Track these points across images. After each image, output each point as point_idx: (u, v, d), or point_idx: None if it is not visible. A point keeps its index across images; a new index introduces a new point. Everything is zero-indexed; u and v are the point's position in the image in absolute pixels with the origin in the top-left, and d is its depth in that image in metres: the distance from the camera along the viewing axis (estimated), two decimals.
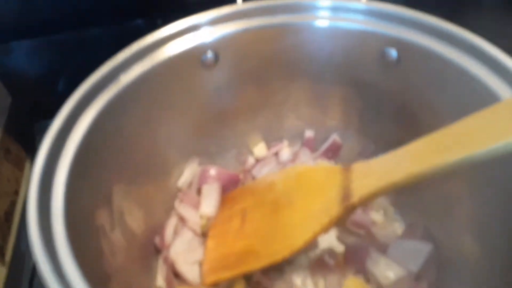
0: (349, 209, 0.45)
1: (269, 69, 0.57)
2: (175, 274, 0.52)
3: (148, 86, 0.49)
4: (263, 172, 0.64)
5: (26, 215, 0.36)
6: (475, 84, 0.44)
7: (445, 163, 0.37)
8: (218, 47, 0.53)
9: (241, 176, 0.64)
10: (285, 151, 0.66)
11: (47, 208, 0.37)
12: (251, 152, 0.67)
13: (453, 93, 0.47)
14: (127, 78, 0.47)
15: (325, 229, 0.46)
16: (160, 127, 0.53)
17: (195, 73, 0.53)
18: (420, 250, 0.52)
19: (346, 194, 0.45)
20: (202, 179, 0.60)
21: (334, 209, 0.45)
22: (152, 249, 0.55)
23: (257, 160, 0.66)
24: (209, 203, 0.58)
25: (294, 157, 0.66)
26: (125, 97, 0.46)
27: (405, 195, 0.57)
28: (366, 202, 0.44)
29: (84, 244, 0.38)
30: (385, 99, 0.56)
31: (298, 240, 0.47)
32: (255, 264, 0.50)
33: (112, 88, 0.46)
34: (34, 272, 0.58)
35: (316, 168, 0.52)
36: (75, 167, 0.40)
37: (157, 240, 0.55)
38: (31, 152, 0.74)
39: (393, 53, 0.51)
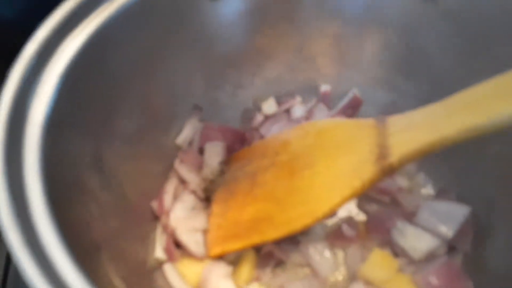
0: (386, 171, 0.37)
1: (285, 6, 0.49)
2: (176, 244, 0.46)
3: (145, 16, 0.41)
4: (272, 131, 0.57)
5: None
6: None
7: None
8: None
9: (247, 135, 0.57)
10: (298, 108, 0.59)
11: (18, 159, 0.29)
12: (259, 108, 0.59)
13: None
14: (116, 4, 0.38)
15: (356, 194, 0.39)
16: (157, 71, 0.45)
17: (200, 5, 0.45)
18: (456, 213, 0.46)
19: (382, 152, 0.38)
20: (204, 136, 0.54)
21: (367, 171, 0.38)
22: (149, 215, 0.48)
23: (266, 117, 0.59)
24: (213, 164, 0.51)
25: (308, 115, 0.58)
26: (117, 26, 0.38)
27: (435, 157, 0.50)
28: (408, 162, 0.37)
29: (67, 209, 0.31)
30: (425, 48, 0.48)
31: (323, 205, 0.40)
32: (268, 233, 0.43)
33: (101, 11, 0.37)
34: None
35: (342, 122, 0.44)
36: (53, 108, 0.32)
37: (154, 205, 0.48)
38: None
39: None
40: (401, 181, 0.53)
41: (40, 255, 0.26)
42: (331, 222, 0.51)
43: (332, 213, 0.44)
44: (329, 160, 0.42)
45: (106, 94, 0.39)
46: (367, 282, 0.44)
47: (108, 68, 0.38)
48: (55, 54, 0.33)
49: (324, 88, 0.59)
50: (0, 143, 0.28)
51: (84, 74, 0.35)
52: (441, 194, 0.51)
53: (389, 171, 0.37)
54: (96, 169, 0.38)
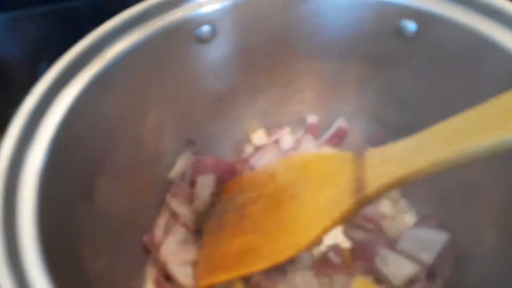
0: (362, 202, 0.39)
1: (272, 46, 0.52)
2: (166, 277, 0.47)
3: (136, 62, 0.43)
4: (262, 162, 0.59)
5: None
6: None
7: (480, 147, 0.32)
8: (215, 19, 0.47)
9: (238, 166, 0.59)
10: (287, 138, 0.61)
11: (13, 204, 0.31)
12: (249, 140, 0.61)
13: (484, 72, 0.41)
14: (112, 52, 0.41)
15: (335, 225, 0.41)
16: (150, 110, 0.48)
17: (189, 49, 0.48)
18: (435, 239, 0.48)
19: (359, 185, 0.40)
20: (196, 169, 0.55)
21: (345, 202, 0.40)
22: (140, 250, 0.49)
23: (256, 149, 0.61)
24: (204, 196, 0.53)
25: (297, 145, 0.60)
26: (110, 74, 0.41)
27: (418, 184, 0.52)
28: (382, 193, 0.39)
29: (59, 247, 0.32)
30: (401, 79, 0.51)
31: (305, 237, 0.42)
32: (256, 265, 0.44)
33: (95, 63, 0.40)
34: None
35: (324, 155, 0.47)
36: (50, 154, 0.34)
37: (146, 239, 0.49)
38: None
39: (411, 26, 0.46)
40: (385, 207, 0.55)
41: None
42: (318, 250, 0.52)
43: (315, 244, 0.45)
44: (312, 192, 0.44)
45: (101, 136, 0.41)
46: None
47: (102, 113, 0.41)
48: (53, 105, 0.36)
49: (311, 119, 0.61)
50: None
51: (79, 121, 0.37)
52: (423, 220, 0.53)
53: (365, 202, 0.39)
54: (88, 205, 0.40)
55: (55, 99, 0.37)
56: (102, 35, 0.41)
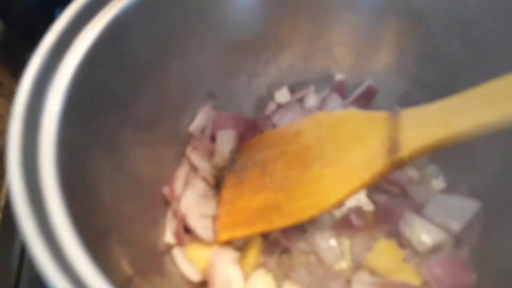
0: (396, 165, 0.37)
1: None
2: (185, 229, 0.47)
3: (162, 6, 0.41)
4: (285, 120, 0.57)
5: (5, 155, 0.29)
6: None
7: None
8: None
9: (260, 123, 0.57)
10: (311, 97, 0.59)
11: (34, 147, 0.30)
12: (271, 97, 0.59)
13: None
14: None
15: (364, 186, 0.39)
16: (173, 57, 0.46)
17: None
18: (465, 207, 0.46)
19: (393, 146, 0.38)
20: (217, 124, 0.54)
21: (377, 164, 0.38)
22: (160, 200, 0.49)
23: (279, 106, 0.59)
24: (224, 151, 0.52)
25: (321, 104, 0.58)
26: (134, 15, 0.38)
27: (448, 148, 0.49)
28: (419, 156, 0.37)
29: (80, 192, 0.32)
30: (435, 36, 0.47)
31: (330, 197, 0.40)
32: (276, 222, 0.44)
33: (112, 6, 0.37)
34: None
35: (355, 113, 0.44)
36: (70, 97, 0.33)
37: (166, 190, 0.49)
38: None
39: None
40: (412, 172, 0.53)
41: (52, 240, 0.27)
42: (339, 211, 0.51)
43: (340, 205, 0.44)
44: (340, 152, 0.42)
45: (123, 81, 0.40)
46: (372, 271, 0.45)
47: (124, 57, 0.39)
48: (73, 44, 0.34)
49: (339, 77, 0.58)
50: (16, 132, 0.29)
51: (101, 63, 0.36)
52: (452, 186, 0.51)
53: (399, 165, 0.37)
54: (109, 153, 0.39)
55: (75, 38, 0.35)
56: None
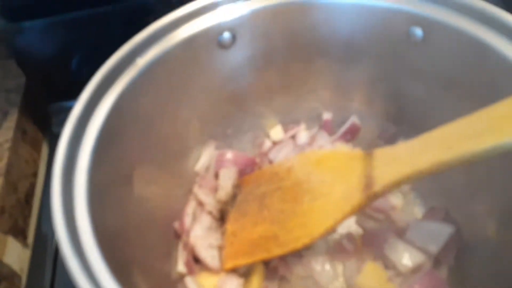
0: (371, 198, 0.44)
1: (288, 50, 0.56)
2: (195, 259, 0.52)
3: (165, 68, 0.48)
4: (280, 156, 0.63)
5: (50, 201, 0.35)
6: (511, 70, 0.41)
7: (476, 151, 0.36)
8: (235, 27, 0.51)
9: (257, 160, 0.63)
10: (302, 134, 0.65)
11: (70, 192, 0.37)
12: (267, 135, 0.66)
13: (485, 76, 0.45)
14: (144, 60, 0.46)
15: (346, 217, 0.45)
16: (178, 109, 0.53)
17: (212, 54, 0.52)
18: (441, 231, 0.52)
19: (368, 182, 0.44)
20: (219, 163, 0.60)
21: (355, 198, 0.44)
22: (172, 234, 0.55)
23: (274, 143, 0.65)
24: (227, 187, 0.58)
25: (312, 140, 0.65)
26: (143, 80, 0.46)
27: (426, 179, 0.55)
28: (389, 190, 0.43)
29: (107, 228, 0.38)
30: (409, 80, 0.54)
31: (319, 227, 0.46)
32: (274, 251, 0.49)
33: (129, 71, 0.45)
34: (57, 253, 0.59)
35: (336, 153, 0.51)
36: (96, 150, 0.40)
37: (176, 225, 0.55)
38: (47, 133, 0.74)
39: (418, 32, 0.49)
40: (395, 200, 0.59)
41: (86, 266, 0.33)
42: (332, 237, 0.57)
43: (328, 234, 0.50)
44: (325, 187, 0.49)
45: (137, 132, 0.47)
46: None
47: (137, 113, 0.46)
48: (95, 111, 0.41)
49: (326, 116, 0.65)
50: (56, 184, 0.36)
51: (118, 120, 0.43)
52: (431, 212, 0.57)
53: (374, 198, 0.44)
54: (128, 190, 0.46)
55: (98, 104, 0.42)
56: (134, 46, 0.46)
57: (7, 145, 0.64)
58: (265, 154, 0.64)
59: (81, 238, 0.34)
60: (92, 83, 0.42)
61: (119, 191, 0.44)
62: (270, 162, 0.63)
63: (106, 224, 0.38)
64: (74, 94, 0.75)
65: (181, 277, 0.52)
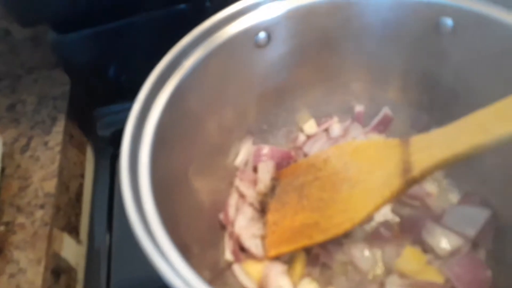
0: (410, 183, 0.45)
1: (321, 46, 0.58)
2: (241, 248, 0.55)
3: (208, 68, 0.51)
4: (314, 149, 0.66)
5: (122, 194, 0.39)
6: None
7: (510, 133, 0.38)
8: (270, 27, 0.54)
9: (293, 153, 0.66)
10: (335, 127, 0.67)
11: (136, 186, 0.41)
12: (301, 130, 0.68)
13: None
14: (189, 62, 0.49)
15: (386, 202, 0.47)
16: (220, 107, 0.56)
17: (249, 54, 0.55)
18: (478, 215, 0.53)
19: (406, 167, 0.46)
20: (257, 157, 0.63)
21: (395, 183, 0.46)
22: (217, 225, 0.58)
23: (308, 137, 0.68)
24: (265, 180, 0.61)
25: (345, 132, 0.66)
26: (189, 81, 0.49)
27: (461, 164, 0.57)
28: (427, 175, 0.45)
29: (167, 215, 0.41)
30: (440, 70, 0.55)
31: (360, 212, 0.49)
32: (316, 237, 0.52)
33: (177, 73, 0.49)
34: (111, 248, 0.63)
35: (372, 142, 0.53)
36: (154, 147, 0.44)
37: (221, 216, 0.58)
38: (91, 137, 0.79)
39: (448, 22, 0.50)
40: (430, 187, 0.60)
41: (155, 244, 0.36)
42: (369, 225, 0.59)
43: (369, 219, 0.52)
44: (363, 175, 0.51)
45: (187, 129, 0.51)
46: (402, 274, 0.52)
47: (186, 112, 0.50)
48: (151, 109, 0.45)
49: (358, 108, 0.67)
50: (124, 176, 0.40)
51: (171, 120, 0.47)
52: (466, 197, 0.58)
53: (412, 183, 0.45)
54: (185, 187, 0.50)
55: (152, 104, 0.46)
56: (181, 49, 0.49)
57: (57, 149, 0.69)
58: (300, 148, 0.66)
59: (148, 220, 0.38)
60: (147, 84, 0.46)
61: (177, 183, 0.48)
62: (305, 155, 0.66)
63: (167, 211, 0.41)
64: (113, 99, 0.80)
65: (229, 265, 0.55)
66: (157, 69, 0.47)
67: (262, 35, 0.55)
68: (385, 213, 0.60)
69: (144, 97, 0.45)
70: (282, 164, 0.64)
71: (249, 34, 0.54)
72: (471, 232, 0.52)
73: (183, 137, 0.50)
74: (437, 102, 0.59)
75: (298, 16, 0.54)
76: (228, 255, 0.55)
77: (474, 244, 0.53)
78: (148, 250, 0.34)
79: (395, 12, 0.53)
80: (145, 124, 0.44)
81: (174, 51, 0.49)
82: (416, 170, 0.44)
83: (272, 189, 0.61)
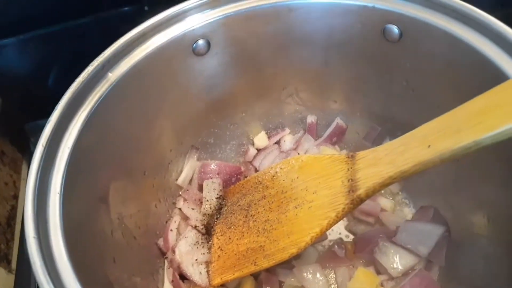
0: (356, 202, 0.42)
1: (264, 53, 0.55)
2: (181, 277, 0.51)
3: (139, 80, 0.47)
4: (265, 163, 0.62)
5: (24, 227, 0.34)
6: (485, 64, 0.41)
7: (454, 149, 0.34)
8: (208, 34, 0.50)
9: (243, 168, 0.62)
10: (287, 139, 0.64)
11: (45, 218, 0.36)
12: (251, 143, 0.65)
13: (460, 73, 0.44)
14: (116, 74, 0.45)
15: (332, 224, 0.44)
16: (155, 121, 0.52)
17: (187, 62, 0.51)
18: (431, 232, 0.50)
19: (352, 185, 0.42)
20: (202, 174, 0.59)
21: (340, 203, 0.43)
22: (156, 251, 0.53)
23: (258, 150, 0.64)
24: (211, 199, 0.56)
25: (297, 145, 0.64)
26: (115, 94, 0.44)
27: (414, 178, 0.54)
28: (374, 193, 0.41)
29: (83, 252, 0.37)
30: (389, 79, 0.53)
31: (305, 236, 0.45)
32: (261, 263, 0.48)
33: (101, 87, 0.44)
34: None
35: (320, 157, 0.49)
36: (69, 171, 0.39)
37: (161, 242, 0.53)
38: (26, 153, 0.72)
39: (395, 29, 0.48)
40: (385, 202, 0.58)
41: None
42: (322, 245, 0.56)
43: (315, 242, 0.48)
44: (309, 194, 0.47)
45: (112, 148, 0.45)
46: None
47: (111, 129, 0.45)
48: (69, 126, 0.40)
49: (310, 119, 0.64)
50: (29, 209, 0.35)
51: (92, 140, 0.42)
52: (420, 212, 0.55)
53: (359, 202, 0.42)
54: (105, 214, 0.44)
55: (71, 122, 0.41)
56: (104, 61, 0.44)
57: None
58: (250, 162, 0.63)
59: (57, 265, 0.33)
60: (62, 103, 0.41)
61: (96, 211, 0.43)
62: (256, 170, 0.62)
63: (83, 247, 0.36)
64: (50, 112, 0.74)
65: None
66: (75, 84, 0.42)
67: (200, 42, 0.51)
68: (339, 230, 0.57)
69: (58, 117, 0.40)
70: (231, 180, 0.60)
71: (186, 41, 0.50)
72: (425, 250, 0.49)
73: (107, 159, 0.45)
74: (388, 112, 0.56)
75: (236, 23, 0.50)
76: (168, 286, 0.50)
77: (428, 262, 0.50)
78: None
79: (341, 20, 0.50)
80: (60, 147, 0.39)
81: (96, 63, 0.44)
82: (362, 189, 0.41)
83: (219, 209, 0.56)
